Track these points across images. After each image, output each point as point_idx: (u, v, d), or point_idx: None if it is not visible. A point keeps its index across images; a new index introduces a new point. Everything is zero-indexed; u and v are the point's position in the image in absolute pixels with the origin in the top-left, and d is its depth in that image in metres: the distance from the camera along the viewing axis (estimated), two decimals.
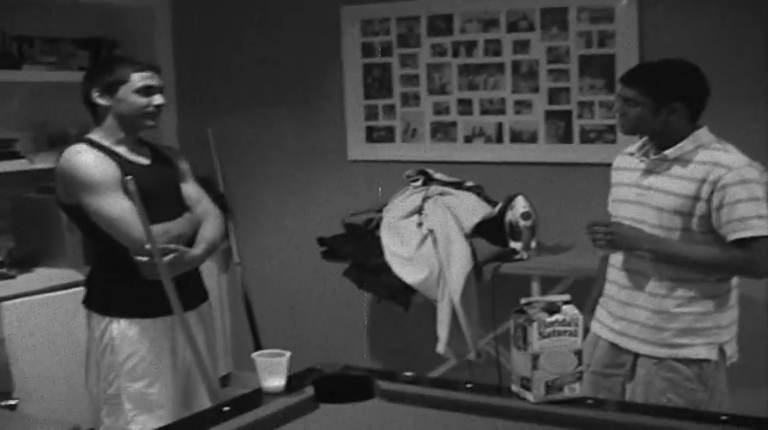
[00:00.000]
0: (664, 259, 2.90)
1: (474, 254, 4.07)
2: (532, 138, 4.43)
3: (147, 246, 2.96)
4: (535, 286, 4.01)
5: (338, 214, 4.52)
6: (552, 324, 2.40)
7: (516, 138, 4.47)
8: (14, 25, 4.55)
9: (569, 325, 2.41)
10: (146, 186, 3.03)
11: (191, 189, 3.33)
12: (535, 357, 2.38)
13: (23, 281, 4.21)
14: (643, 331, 2.96)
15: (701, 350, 2.90)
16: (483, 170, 4.50)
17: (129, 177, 2.97)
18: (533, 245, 4.10)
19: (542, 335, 2.38)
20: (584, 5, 4.24)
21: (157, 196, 3.11)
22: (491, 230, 4.15)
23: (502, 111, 4.48)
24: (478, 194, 4.32)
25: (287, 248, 5.11)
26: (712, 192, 2.80)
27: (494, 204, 4.25)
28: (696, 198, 2.84)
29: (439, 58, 4.59)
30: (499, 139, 4.51)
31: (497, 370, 4.10)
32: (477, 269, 4.05)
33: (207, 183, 4.87)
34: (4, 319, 4.01)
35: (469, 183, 4.37)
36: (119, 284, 3.14)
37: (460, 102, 4.57)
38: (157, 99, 3.15)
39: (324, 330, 5.06)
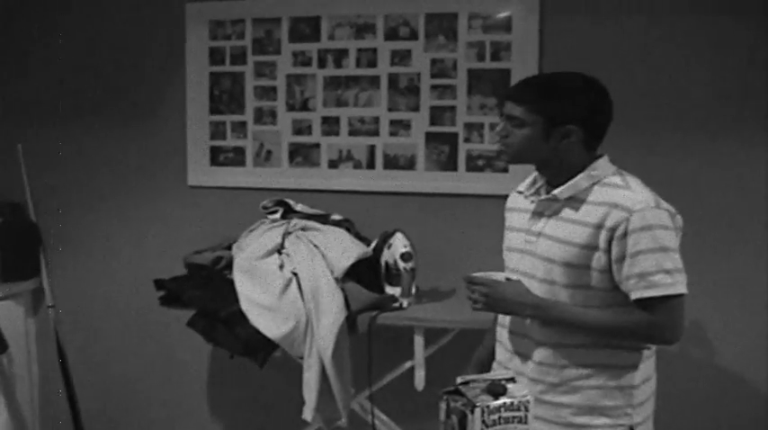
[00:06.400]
0: (554, 325, 2.47)
1: (347, 302, 3.52)
2: (410, 165, 4.01)
3: None
4: (418, 340, 3.53)
5: (179, 251, 3.96)
6: (498, 409, 1.99)
7: (391, 163, 4.04)
8: None
9: (518, 409, 2.01)
10: None
11: None
12: None
13: None
14: (537, 407, 2.43)
15: None
16: (351, 201, 4.09)
17: None
18: (414, 290, 3.62)
19: (486, 425, 1.96)
20: (476, 12, 3.85)
21: None
22: (365, 273, 3.63)
23: (375, 133, 4.04)
24: (348, 230, 3.86)
25: (114, 290, 4.49)
26: (611, 241, 2.38)
27: (367, 242, 3.77)
28: (592, 247, 2.40)
29: (302, 68, 4.11)
30: (371, 165, 4.07)
31: None
32: (350, 320, 3.50)
33: (16, 210, 4.43)
34: None
35: (336, 217, 3.93)
36: None
37: (325, 120, 4.10)
38: None
39: (160, 392, 4.49)
